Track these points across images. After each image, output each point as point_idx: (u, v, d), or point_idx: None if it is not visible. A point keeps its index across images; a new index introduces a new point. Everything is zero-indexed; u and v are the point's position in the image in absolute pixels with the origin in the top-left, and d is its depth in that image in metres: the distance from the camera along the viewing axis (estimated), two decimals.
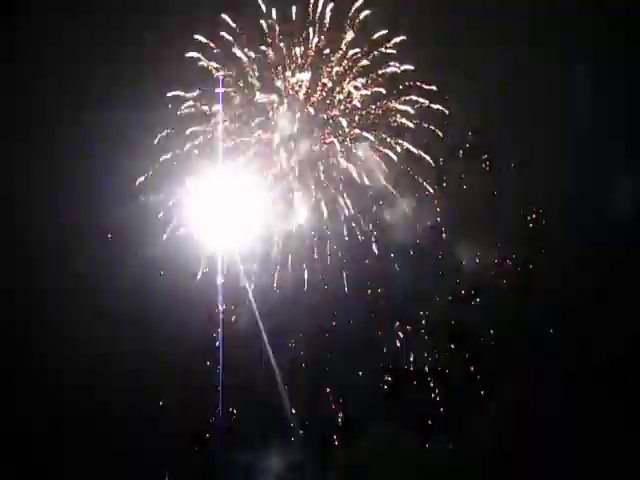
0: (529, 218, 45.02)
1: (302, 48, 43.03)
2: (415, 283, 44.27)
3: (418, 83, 43.07)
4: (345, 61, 43.32)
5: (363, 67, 43.28)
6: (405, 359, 43.92)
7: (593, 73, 44.13)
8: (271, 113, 43.56)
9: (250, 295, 43.23)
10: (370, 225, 43.89)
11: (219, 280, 42.98)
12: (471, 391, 43.13)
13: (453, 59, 43.11)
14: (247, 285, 43.40)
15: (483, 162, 45.31)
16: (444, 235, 44.90)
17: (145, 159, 43.51)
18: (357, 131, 43.51)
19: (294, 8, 42.67)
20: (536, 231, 45.13)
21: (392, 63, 42.96)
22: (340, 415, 43.40)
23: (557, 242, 44.04)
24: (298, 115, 43.36)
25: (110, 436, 41.82)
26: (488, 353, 43.57)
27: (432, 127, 43.44)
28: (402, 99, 43.35)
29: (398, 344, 43.97)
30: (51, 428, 41.80)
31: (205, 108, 43.48)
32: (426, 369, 43.46)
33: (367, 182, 43.33)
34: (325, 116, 43.78)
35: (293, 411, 43.11)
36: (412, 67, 43.14)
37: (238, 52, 43.01)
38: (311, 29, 42.92)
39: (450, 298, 44.43)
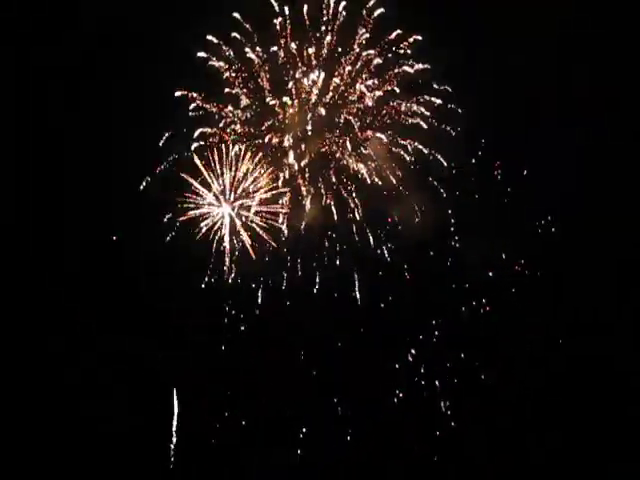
0: (538, 224, 44.91)
1: (314, 48, 42.82)
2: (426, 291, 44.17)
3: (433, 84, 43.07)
4: (358, 61, 43.15)
5: (376, 67, 43.11)
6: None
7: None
8: (281, 115, 43.28)
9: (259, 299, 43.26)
10: (382, 233, 43.76)
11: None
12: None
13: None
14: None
15: (496, 169, 45.12)
16: (456, 244, 44.76)
17: (150, 160, 43.17)
18: (369, 132, 43.27)
19: (305, 7, 42.54)
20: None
21: (406, 61, 42.88)
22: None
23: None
24: (309, 116, 43.09)
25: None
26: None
27: (445, 127, 43.40)
28: (415, 99, 43.23)
29: (410, 359, 43.84)
30: None
31: (214, 109, 43.23)
32: (437, 383, 43.30)
33: (379, 182, 43.16)
34: (337, 117, 43.57)
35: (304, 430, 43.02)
36: (427, 66, 43.04)
37: (249, 52, 42.76)
38: (323, 28, 42.78)
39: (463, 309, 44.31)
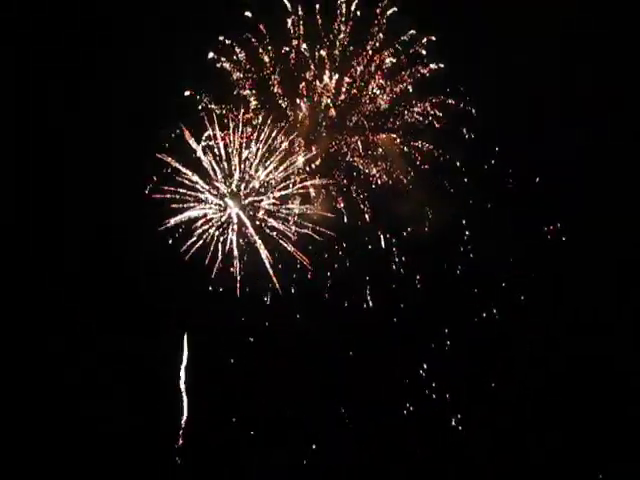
0: (547, 229, 44.89)
1: (326, 50, 42.65)
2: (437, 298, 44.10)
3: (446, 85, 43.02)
4: (371, 62, 43.01)
5: (389, 67, 42.99)
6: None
7: None
8: (292, 117, 43.15)
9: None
10: (393, 238, 43.70)
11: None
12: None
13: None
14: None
15: (507, 177, 45.06)
16: (470, 254, 44.67)
17: (155, 160, 42.87)
18: (381, 133, 43.20)
19: (317, 6, 42.38)
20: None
21: (419, 61, 42.83)
22: None
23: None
24: (321, 117, 42.98)
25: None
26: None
27: (454, 128, 43.39)
28: (427, 99, 43.18)
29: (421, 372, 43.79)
30: None
31: (223, 111, 43.04)
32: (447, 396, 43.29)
33: (390, 182, 43.01)
34: (348, 119, 43.41)
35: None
36: (440, 65, 42.99)
37: (261, 53, 42.69)
38: (336, 27, 42.64)
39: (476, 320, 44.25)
